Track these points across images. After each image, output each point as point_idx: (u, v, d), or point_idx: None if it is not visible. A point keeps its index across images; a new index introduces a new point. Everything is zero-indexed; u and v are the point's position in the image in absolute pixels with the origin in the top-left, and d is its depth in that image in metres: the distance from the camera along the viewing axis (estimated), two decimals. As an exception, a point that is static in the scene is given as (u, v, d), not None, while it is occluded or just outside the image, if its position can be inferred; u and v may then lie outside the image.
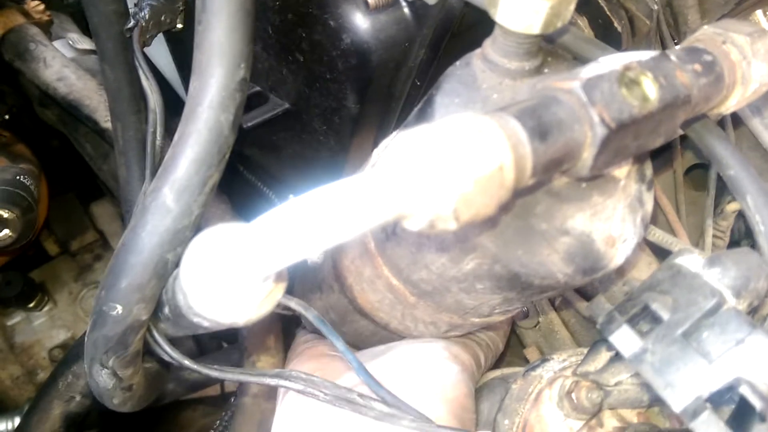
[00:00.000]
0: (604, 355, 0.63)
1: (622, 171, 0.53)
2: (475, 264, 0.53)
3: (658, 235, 0.66)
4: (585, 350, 0.66)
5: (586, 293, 0.83)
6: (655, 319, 0.50)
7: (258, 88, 1.11)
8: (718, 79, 0.50)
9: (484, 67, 0.53)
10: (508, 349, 0.94)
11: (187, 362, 0.67)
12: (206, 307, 0.45)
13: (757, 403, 0.42)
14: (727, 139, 0.59)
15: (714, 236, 0.79)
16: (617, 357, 0.63)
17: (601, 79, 0.43)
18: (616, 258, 0.54)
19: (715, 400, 0.45)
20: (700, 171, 0.94)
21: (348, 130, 1.07)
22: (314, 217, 0.38)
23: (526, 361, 0.91)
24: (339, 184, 0.39)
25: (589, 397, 0.59)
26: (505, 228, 0.51)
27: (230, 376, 0.69)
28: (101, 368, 0.65)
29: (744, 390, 0.43)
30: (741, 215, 0.71)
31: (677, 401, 0.44)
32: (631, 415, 0.63)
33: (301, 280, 0.98)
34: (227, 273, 0.43)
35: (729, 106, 0.54)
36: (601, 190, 0.52)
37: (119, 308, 0.59)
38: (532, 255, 0.51)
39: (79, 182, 1.65)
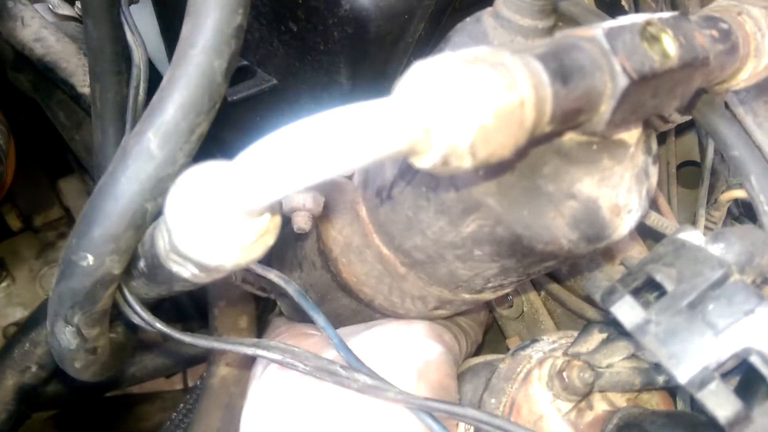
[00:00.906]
0: (597, 337, 0.62)
1: (632, 137, 0.52)
2: (476, 226, 0.51)
3: (653, 219, 0.65)
4: (576, 333, 0.65)
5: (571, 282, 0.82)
6: (659, 292, 0.48)
7: (245, 62, 1.08)
8: (734, 48, 0.50)
9: (496, 24, 0.51)
10: (489, 341, 0.92)
11: (158, 324, 0.63)
12: (191, 244, 0.42)
13: (767, 373, 0.41)
14: (732, 120, 0.58)
15: (705, 227, 0.79)
16: (610, 339, 0.61)
17: (623, 30, 0.42)
18: (620, 228, 0.53)
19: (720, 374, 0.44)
20: (691, 169, 0.94)
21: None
22: (317, 142, 0.36)
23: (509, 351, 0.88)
24: (350, 107, 0.36)
25: (580, 377, 0.57)
26: (511, 187, 0.49)
27: (203, 342, 0.65)
28: (65, 325, 0.60)
29: (754, 360, 0.41)
30: (735, 204, 0.71)
31: (683, 372, 0.43)
32: (621, 400, 0.61)
33: (279, 259, 0.94)
34: (215, 203, 0.40)
35: (740, 80, 0.53)
36: (611, 154, 0.51)
37: (90, 258, 0.55)
38: (536, 217, 0.49)
39: (48, 157, 1.59)
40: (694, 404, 0.61)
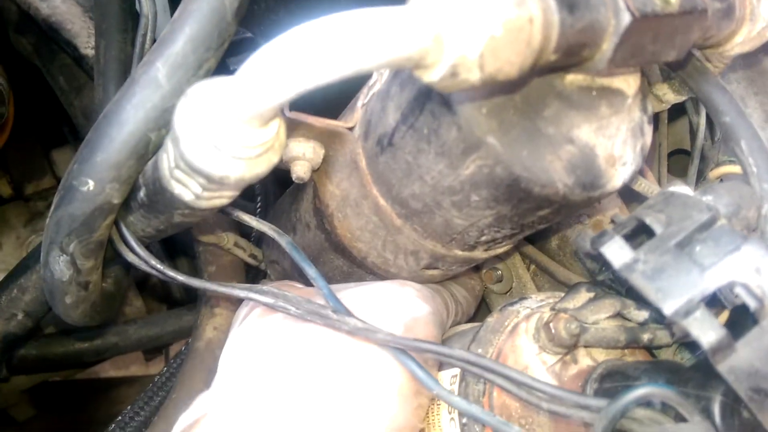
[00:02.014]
0: (584, 295, 0.63)
1: (630, 88, 0.53)
2: (475, 167, 0.52)
3: (643, 185, 0.67)
4: (563, 294, 0.66)
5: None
6: (649, 235, 0.50)
7: (249, 34, 1.10)
8: (731, 8, 0.52)
9: None
10: (476, 315, 0.93)
11: (154, 262, 0.63)
12: (198, 151, 0.43)
13: (752, 304, 0.42)
14: (724, 88, 0.60)
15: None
16: (596, 298, 0.62)
17: None
18: (614, 179, 0.54)
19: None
20: (681, 157, 0.97)
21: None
22: (324, 42, 0.37)
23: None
24: (362, 10, 0.38)
25: (567, 328, 0.58)
26: (512, 127, 0.50)
27: (196, 282, 0.65)
28: (60, 254, 0.60)
29: (739, 291, 0.43)
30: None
31: (669, 304, 0.44)
32: (605, 358, 0.62)
33: (273, 223, 0.95)
34: (221, 109, 0.41)
35: (735, 44, 0.55)
36: (610, 102, 0.52)
37: (91, 184, 0.56)
38: (535, 158, 0.51)
39: (43, 128, 1.59)
40: (694, 358, 0.63)
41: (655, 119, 0.92)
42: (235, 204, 1.22)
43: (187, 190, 0.50)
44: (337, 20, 0.39)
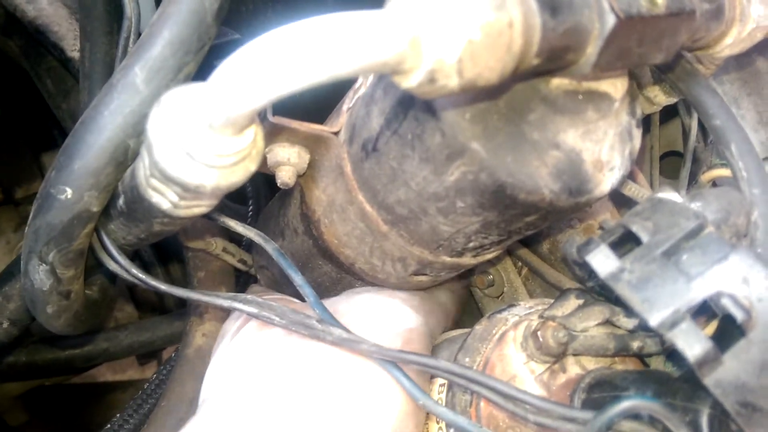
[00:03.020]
0: (573, 302, 0.62)
1: (617, 91, 0.52)
2: (459, 173, 0.51)
3: (634, 190, 0.66)
4: (552, 301, 0.65)
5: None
6: (635, 245, 0.49)
7: (237, 36, 1.08)
8: (720, 9, 0.51)
9: None
10: (468, 320, 0.92)
11: (135, 271, 0.62)
12: (172, 160, 0.42)
13: (738, 315, 0.41)
14: (715, 91, 0.59)
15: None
16: (586, 305, 0.61)
17: None
18: (602, 184, 0.53)
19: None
20: (674, 159, 0.96)
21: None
22: (300, 47, 0.36)
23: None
24: (339, 14, 0.37)
25: (554, 336, 0.57)
26: (496, 133, 0.49)
27: (179, 292, 0.64)
28: (39, 263, 0.59)
29: (725, 302, 0.42)
30: (714, 185, 0.72)
31: (654, 315, 0.43)
32: (594, 365, 0.61)
33: (262, 228, 0.93)
34: (194, 116, 0.40)
35: (725, 45, 0.54)
36: (596, 106, 0.51)
37: (69, 192, 0.55)
38: (520, 164, 0.49)
39: (32, 131, 1.58)
40: (681, 370, 0.61)
41: (647, 121, 0.92)
42: (226, 207, 1.21)
43: (164, 198, 0.49)
44: (312, 25, 0.38)
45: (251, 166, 0.45)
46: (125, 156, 0.54)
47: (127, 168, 0.56)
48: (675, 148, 0.95)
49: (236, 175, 0.44)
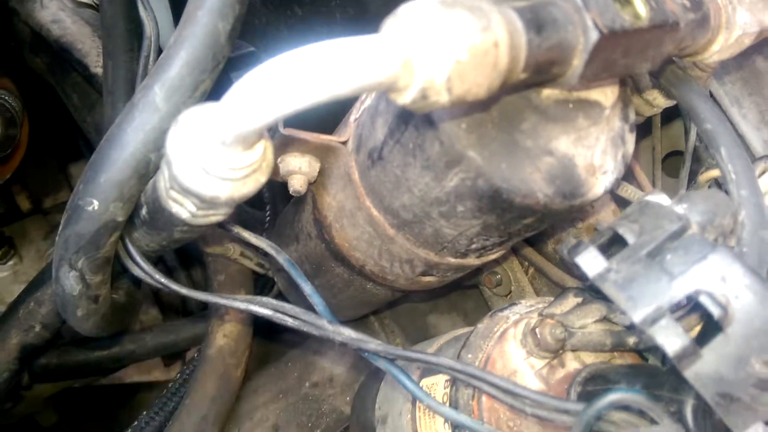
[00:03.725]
0: (571, 301, 0.64)
1: (608, 99, 0.55)
2: (458, 180, 0.54)
3: (630, 191, 0.68)
4: (552, 299, 0.68)
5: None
6: (623, 246, 0.51)
7: (252, 48, 1.13)
8: (705, 18, 0.53)
9: None
10: (477, 317, 0.95)
11: (158, 276, 0.67)
12: (188, 173, 0.46)
13: (715, 311, 0.44)
14: (706, 95, 0.61)
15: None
16: (584, 302, 0.64)
17: None
18: (595, 188, 0.56)
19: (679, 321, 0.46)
20: (677, 158, 0.98)
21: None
22: (302, 70, 0.39)
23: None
24: (338, 40, 0.40)
25: (552, 333, 0.59)
26: (491, 141, 0.52)
27: (199, 295, 0.68)
28: (69, 269, 0.64)
29: (703, 299, 0.44)
30: (716, 185, 0.74)
31: (638, 313, 0.45)
32: (593, 361, 0.64)
33: (278, 235, 0.98)
34: (208, 133, 0.43)
35: (713, 52, 0.56)
36: (587, 113, 0.54)
37: (95, 204, 0.59)
38: (515, 170, 0.53)
39: (60, 143, 1.64)
40: (664, 363, 0.64)
41: (648, 123, 0.94)
42: (245, 212, 1.25)
43: (183, 208, 0.53)
44: (314, 50, 0.41)
45: (261, 178, 0.48)
46: (147, 169, 0.59)
47: (149, 180, 0.60)
48: (678, 148, 0.97)
49: (248, 186, 0.47)
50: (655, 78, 0.65)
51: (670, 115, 0.97)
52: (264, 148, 0.47)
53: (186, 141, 0.45)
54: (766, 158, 0.69)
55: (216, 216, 0.55)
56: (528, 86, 0.51)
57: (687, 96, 0.62)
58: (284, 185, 1.13)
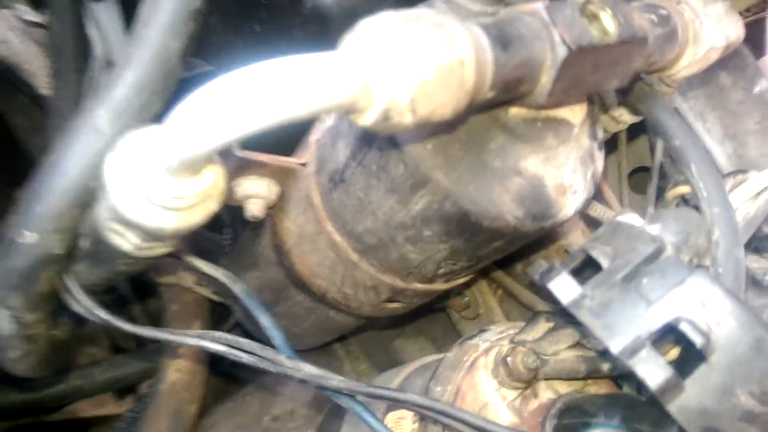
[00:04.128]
0: (543, 326, 0.62)
1: (576, 117, 0.53)
2: (424, 203, 0.51)
3: (599, 210, 0.67)
4: (524, 324, 0.65)
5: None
6: (596, 269, 0.49)
7: (210, 67, 1.09)
8: (673, 33, 0.52)
9: (446, 8, 0.53)
10: (446, 343, 0.91)
11: (99, 311, 0.61)
12: (129, 204, 0.41)
13: (697, 340, 0.41)
14: (674, 112, 0.60)
15: (653, 227, 0.80)
16: (556, 328, 0.62)
17: (564, 5, 0.44)
18: (566, 208, 0.54)
19: (656, 347, 0.44)
20: (643, 174, 0.97)
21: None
22: (252, 90, 0.36)
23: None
24: (292, 57, 0.37)
25: (524, 362, 0.57)
26: (458, 162, 0.50)
27: (147, 332, 0.63)
28: (1, 308, 0.58)
29: (684, 327, 0.42)
30: (683, 202, 0.73)
31: (616, 342, 0.43)
32: (567, 389, 0.61)
33: (236, 260, 0.93)
34: (150, 159, 0.39)
35: (681, 67, 0.56)
36: (556, 132, 0.52)
37: (29, 236, 0.54)
38: (483, 192, 0.50)
39: (5, 167, 1.56)
40: (642, 391, 0.62)
41: (614, 140, 0.93)
42: (201, 237, 1.20)
43: (124, 240, 0.49)
44: (266, 68, 0.38)
45: (212, 206, 0.44)
46: (89, 198, 0.54)
47: (90, 209, 0.55)
48: (644, 164, 0.97)
49: (196, 216, 0.43)
50: (622, 95, 0.64)
51: (635, 131, 0.97)
52: (214, 174, 0.43)
53: (126, 167, 0.41)
54: (734, 174, 0.68)
55: (162, 248, 0.51)
56: (495, 105, 0.48)
57: (655, 112, 0.61)
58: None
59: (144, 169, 0.40)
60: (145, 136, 0.41)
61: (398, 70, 0.36)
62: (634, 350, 0.42)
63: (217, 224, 1.27)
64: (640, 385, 0.57)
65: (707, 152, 0.58)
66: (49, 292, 0.59)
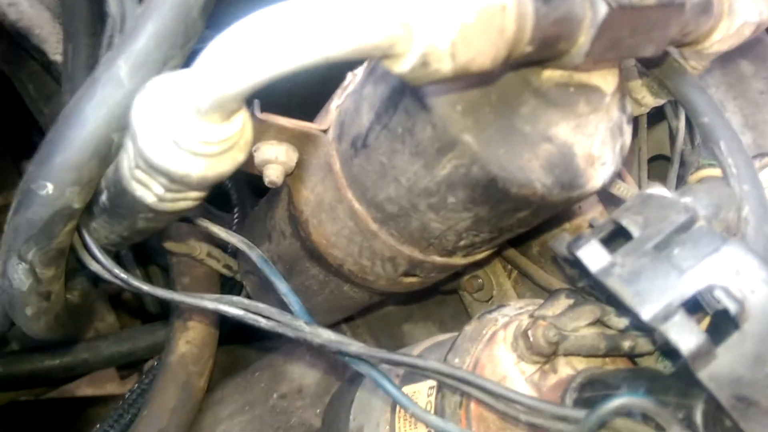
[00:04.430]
0: (563, 302, 0.61)
1: (608, 85, 0.52)
2: (451, 167, 0.51)
3: (622, 189, 0.66)
4: (542, 301, 0.64)
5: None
6: (626, 240, 0.48)
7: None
8: (709, 3, 0.51)
9: None
10: (456, 325, 0.91)
11: (117, 270, 0.61)
12: (156, 147, 0.41)
13: (731, 306, 0.41)
14: (703, 89, 0.59)
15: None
16: (576, 305, 0.61)
17: None
18: (594, 179, 0.53)
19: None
20: (662, 163, 0.96)
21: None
22: (288, 27, 0.35)
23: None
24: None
25: (545, 335, 0.56)
26: (488, 125, 0.49)
27: (162, 293, 0.62)
28: (18, 262, 0.57)
29: (718, 293, 0.41)
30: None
31: (646, 309, 0.42)
32: (585, 366, 0.60)
33: (248, 233, 0.92)
34: (180, 100, 0.38)
35: (714, 41, 0.55)
36: (588, 99, 0.51)
37: (49, 187, 0.53)
38: (512, 157, 0.49)
39: (13, 138, 1.55)
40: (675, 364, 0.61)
41: (635, 123, 0.92)
42: (211, 215, 1.19)
43: (148, 191, 0.48)
44: (303, 5, 0.37)
45: (239, 156, 0.44)
46: (108, 150, 0.53)
47: (110, 163, 0.54)
48: (663, 152, 0.96)
49: (223, 164, 0.43)
50: (649, 68, 0.63)
51: (653, 119, 0.96)
52: (243, 121, 0.42)
53: (155, 109, 0.40)
54: (760, 156, 0.67)
55: (185, 201, 0.50)
56: (531, 63, 0.47)
57: (683, 88, 0.60)
58: (253, 185, 1.07)
59: (174, 110, 0.39)
60: (177, 77, 0.40)
61: (439, 11, 0.35)
62: (666, 316, 0.41)
63: (224, 201, 1.27)
64: (664, 359, 0.56)
65: (735, 130, 0.57)
66: (66, 247, 0.59)
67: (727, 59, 0.88)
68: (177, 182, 0.44)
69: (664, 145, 0.95)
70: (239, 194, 1.27)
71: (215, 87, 0.37)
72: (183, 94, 0.39)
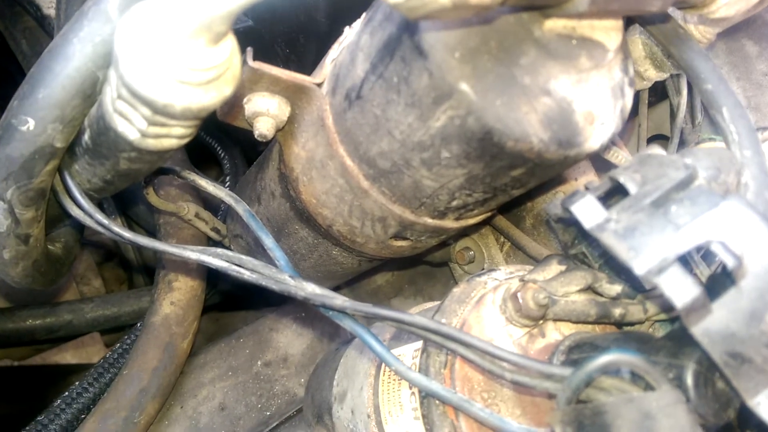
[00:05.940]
0: (555, 268, 0.60)
1: (611, 42, 0.51)
2: (446, 118, 0.49)
3: (620, 157, 0.64)
4: (533, 267, 0.63)
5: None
6: (623, 197, 0.47)
7: (249, 22, 1.06)
8: (716, -40, 0.49)
9: None
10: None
11: (99, 216, 0.59)
12: (140, 73, 0.39)
13: (729, 262, 0.39)
14: (706, 56, 0.58)
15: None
16: (568, 270, 0.59)
17: None
18: (592, 139, 0.51)
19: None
20: (660, 142, 0.95)
21: (311, 55, 1.02)
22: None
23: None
24: None
25: (534, 298, 0.55)
26: (486, 74, 0.47)
27: (145, 241, 0.61)
28: (-3, 200, 0.56)
29: (716, 248, 0.40)
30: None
31: (640, 263, 0.41)
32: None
33: (238, 195, 0.91)
34: (165, 22, 0.37)
35: (720, 5, 0.53)
36: (590, 54, 0.50)
37: (31, 123, 0.52)
38: (509, 109, 0.47)
39: (5, 97, 1.52)
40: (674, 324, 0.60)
41: (636, 99, 0.91)
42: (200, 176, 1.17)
43: (131, 126, 0.46)
44: None
45: (226, 90, 0.42)
46: (93, 89, 0.51)
47: (94, 102, 0.53)
48: (662, 132, 0.94)
49: (209, 96, 0.41)
50: (654, 36, 0.61)
51: (653, 98, 0.95)
52: (231, 50, 0.41)
53: (139, 32, 0.39)
54: (761, 130, 0.66)
55: (169, 139, 0.48)
56: (535, 7, 0.46)
57: (687, 55, 0.59)
58: (245, 151, 1.05)
59: (158, 34, 0.38)
60: (162, 1, 0.39)
61: None
62: (661, 269, 0.40)
63: (218, 171, 1.25)
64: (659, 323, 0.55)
65: (737, 97, 0.56)
66: (46, 188, 0.57)
67: (731, 38, 0.87)
68: (160, 113, 0.42)
69: (664, 125, 0.94)
70: (231, 161, 1.26)
71: (202, 6, 0.35)
72: (169, 15, 0.37)
